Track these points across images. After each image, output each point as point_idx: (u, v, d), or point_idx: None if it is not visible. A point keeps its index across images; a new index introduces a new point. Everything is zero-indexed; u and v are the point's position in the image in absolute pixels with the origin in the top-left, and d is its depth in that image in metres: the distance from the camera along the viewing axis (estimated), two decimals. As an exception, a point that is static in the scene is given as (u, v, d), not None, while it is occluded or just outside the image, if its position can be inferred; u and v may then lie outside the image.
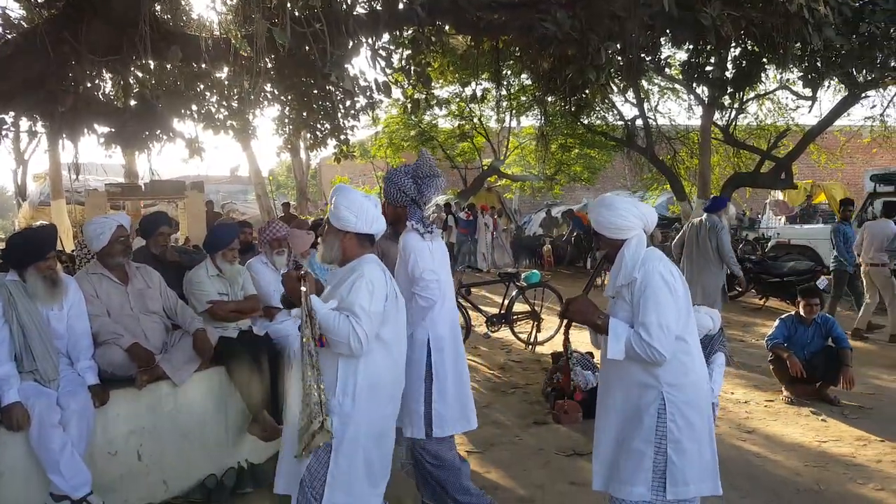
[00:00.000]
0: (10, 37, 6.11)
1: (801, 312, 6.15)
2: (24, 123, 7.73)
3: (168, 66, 7.74)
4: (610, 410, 2.83)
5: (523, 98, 18.00)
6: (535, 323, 8.40)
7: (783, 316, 6.38)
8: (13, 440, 3.41)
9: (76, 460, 3.45)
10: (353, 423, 2.65)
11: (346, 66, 5.82)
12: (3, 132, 6.42)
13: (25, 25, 6.70)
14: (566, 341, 3.14)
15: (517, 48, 8.84)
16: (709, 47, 9.77)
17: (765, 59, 10.49)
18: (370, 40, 6.40)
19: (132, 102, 7.73)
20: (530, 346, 8.23)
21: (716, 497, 2.83)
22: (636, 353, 2.58)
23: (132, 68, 7.29)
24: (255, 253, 5.49)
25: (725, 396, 6.08)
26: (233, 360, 4.19)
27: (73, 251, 10.93)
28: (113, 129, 7.83)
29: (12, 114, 7.14)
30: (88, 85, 7.40)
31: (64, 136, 7.53)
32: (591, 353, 6.32)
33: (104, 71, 7.44)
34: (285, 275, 2.83)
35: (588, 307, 2.77)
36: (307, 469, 2.71)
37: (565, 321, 3.01)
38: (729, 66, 11.55)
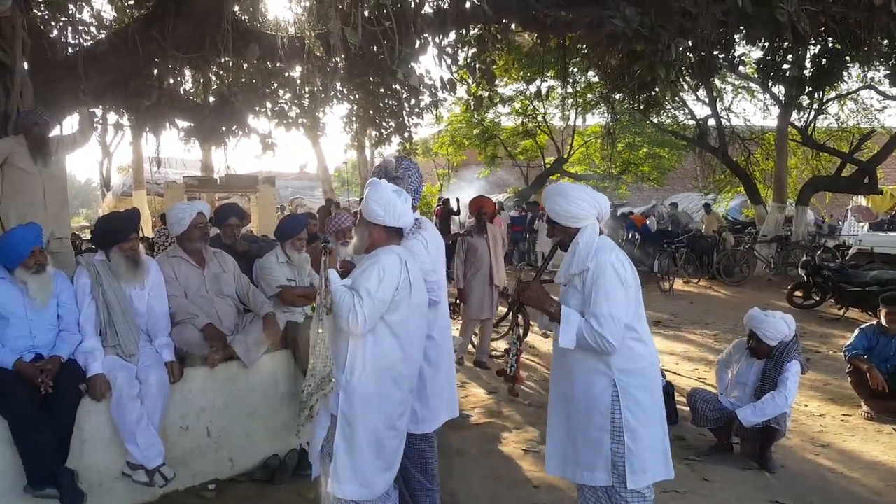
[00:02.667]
0: (104, 35, 6.47)
1: (884, 322, 5.80)
2: (112, 118, 8.19)
3: (245, 65, 8.06)
4: (562, 397, 2.89)
5: (589, 96, 17.80)
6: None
7: (863, 326, 6.04)
8: (96, 409, 3.64)
9: (151, 432, 3.67)
10: (357, 401, 2.71)
11: (413, 63, 5.93)
12: (95, 125, 6.80)
13: (115, 25, 7.10)
14: (515, 325, 3.17)
15: (584, 45, 8.77)
16: (786, 44, 9.45)
17: (847, 57, 10.08)
18: (437, 39, 6.50)
19: (211, 99, 8.07)
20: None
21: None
22: (587, 342, 2.65)
23: (212, 65, 7.61)
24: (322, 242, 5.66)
25: (799, 408, 5.82)
26: (299, 343, 4.36)
27: (151, 238, 11.49)
28: (192, 124, 8.22)
29: (101, 108, 7.57)
30: (171, 81, 7.78)
31: (148, 129, 7.95)
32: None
33: (186, 68, 7.80)
34: (311, 246, 2.95)
35: (541, 293, 2.82)
36: (325, 438, 2.84)
37: (516, 305, 3.08)
38: (807, 64, 11.13)
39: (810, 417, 5.72)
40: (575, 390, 2.81)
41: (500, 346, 7.84)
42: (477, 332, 7.47)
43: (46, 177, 4.98)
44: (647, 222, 17.54)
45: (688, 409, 5.14)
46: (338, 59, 6.12)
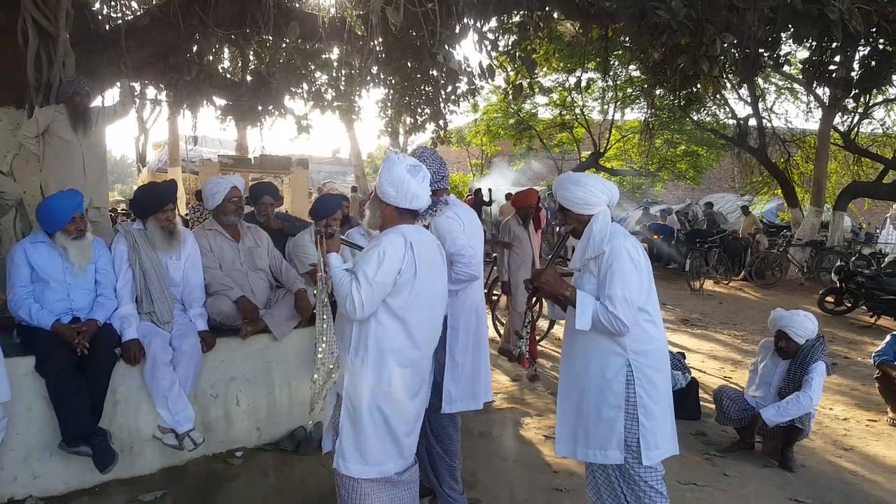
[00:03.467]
0: (146, 9, 6.56)
1: (917, 330, 5.75)
2: (150, 93, 8.31)
3: (283, 45, 8.11)
4: (575, 379, 2.92)
5: (630, 90, 17.59)
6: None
7: (895, 332, 5.99)
8: (130, 373, 3.73)
9: (182, 398, 3.74)
10: (361, 382, 2.69)
11: (452, 47, 5.93)
12: (134, 98, 6.91)
13: (154, 2, 7.18)
14: (529, 310, 3.15)
15: (627, 37, 8.67)
16: (834, 44, 9.24)
17: (897, 60, 9.81)
18: (478, 23, 6.47)
19: (248, 78, 8.13)
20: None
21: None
22: (602, 323, 2.70)
23: (252, 43, 7.68)
24: (352, 225, 5.71)
25: (823, 411, 5.79)
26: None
27: (185, 214, 11.66)
28: (229, 102, 8.31)
29: (140, 83, 7.68)
30: (210, 58, 7.86)
31: (185, 106, 8.04)
32: (682, 354, 6.19)
33: (225, 45, 7.89)
34: (317, 231, 2.91)
35: (557, 279, 2.86)
36: (332, 415, 2.85)
37: (530, 292, 3.03)
38: (855, 65, 10.89)
39: (834, 421, 5.68)
40: (590, 371, 2.85)
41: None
42: (504, 321, 7.46)
43: (86, 146, 5.08)
44: (667, 221, 17.36)
45: (711, 405, 5.12)
46: (377, 41, 6.13)
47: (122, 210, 14.58)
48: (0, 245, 4.92)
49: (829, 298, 11.06)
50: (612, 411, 2.77)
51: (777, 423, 4.45)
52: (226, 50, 8.42)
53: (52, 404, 3.44)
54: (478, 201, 16.46)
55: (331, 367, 2.67)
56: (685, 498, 3.96)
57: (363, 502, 2.74)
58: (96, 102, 5.51)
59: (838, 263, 11.81)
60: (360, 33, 5.77)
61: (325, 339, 2.67)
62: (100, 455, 3.45)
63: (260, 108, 8.37)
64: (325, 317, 2.70)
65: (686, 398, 5.44)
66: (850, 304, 10.76)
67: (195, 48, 7.14)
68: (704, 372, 6.93)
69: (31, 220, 5.04)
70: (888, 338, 5.88)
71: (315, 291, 2.87)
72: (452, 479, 3.49)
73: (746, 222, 16.97)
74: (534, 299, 3.11)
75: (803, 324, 4.57)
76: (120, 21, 6.35)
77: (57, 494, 3.56)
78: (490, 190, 17.26)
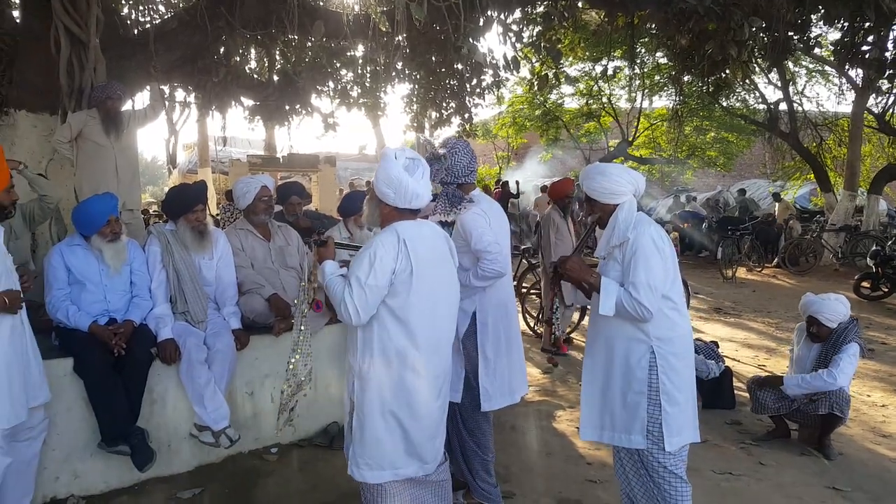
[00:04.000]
0: (173, 13, 6.64)
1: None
2: (179, 95, 8.42)
3: (309, 44, 8.16)
4: (600, 365, 2.95)
5: (657, 77, 17.35)
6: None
7: (935, 316, 5.85)
8: (166, 372, 3.80)
9: (218, 396, 3.80)
10: (369, 387, 2.64)
11: (477, 41, 5.90)
12: (164, 101, 7.01)
13: (183, 4, 7.27)
14: (553, 297, 3.12)
15: (653, 24, 8.56)
16: (867, 24, 9.00)
17: (935, 38, 9.53)
18: (502, 15, 6.44)
19: (275, 78, 8.19)
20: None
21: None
22: (625, 309, 2.73)
23: (278, 43, 7.73)
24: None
25: (861, 398, 5.68)
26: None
27: (216, 214, 11.81)
28: (257, 103, 8.39)
29: (169, 86, 7.79)
30: (237, 59, 7.94)
31: (214, 107, 8.13)
32: (716, 343, 6.11)
33: (251, 46, 7.96)
34: (312, 240, 2.85)
35: (582, 266, 2.92)
36: (348, 422, 2.80)
37: (555, 279, 3.07)
38: (889, 45, 10.60)
39: (872, 408, 5.57)
40: (614, 357, 2.88)
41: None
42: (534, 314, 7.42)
43: (118, 149, 5.18)
44: (692, 208, 17.11)
45: (745, 394, 5.04)
46: (401, 36, 6.13)
47: (154, 212, 14.82)
48: (36, 249, 5.03)
49: (865, 284, 10.81)
50: (636, 397, 2.81)
51: (796, 395, 4.45)
52: (252, 51, 8.49)
53: (91, 405, 3.52)
54: (505, 194, 16.40)
55: (302, 378, 2.64)
56: (721, 488, 3.92)
57: (387, 503, 2.71)
58: (127, 106, 5.60)
59: (874, 248, 11.54)
60: (384, 29, 5.77)
61: (300, 350, 2.64)
62: (138, 454, 3.53)
63: (287, 107, 8.44)
64: (302, 328, 2.66)
65: (720, 387, 5.38)
66: (886, 289, 10.53)
67: (222, 50, 7.21)
68: (738, 361, 6.84)
69: (66, 224, 5.15)
70: (928, 323, 5.75)
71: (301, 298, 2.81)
72: (486, 472, 3.49)
73: (780, 208, 16.69)
74: (557, 287, 3.14)
75: (834, 308, 4.49)
76: (148, 25, 6.43)
77: (97, 493, 3.65)
78: (518, 182, 17.18)
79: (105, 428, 3.52)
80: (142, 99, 6.77)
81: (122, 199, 5.01)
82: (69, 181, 5.36)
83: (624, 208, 2.87)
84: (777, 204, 17.30)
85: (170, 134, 9.32)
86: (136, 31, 6.54)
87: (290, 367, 2.65)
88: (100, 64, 5.33)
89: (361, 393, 2.67)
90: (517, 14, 7.10)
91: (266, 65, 8.50)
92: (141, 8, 7.18)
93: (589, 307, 3.27)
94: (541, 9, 7.09)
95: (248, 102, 8.44)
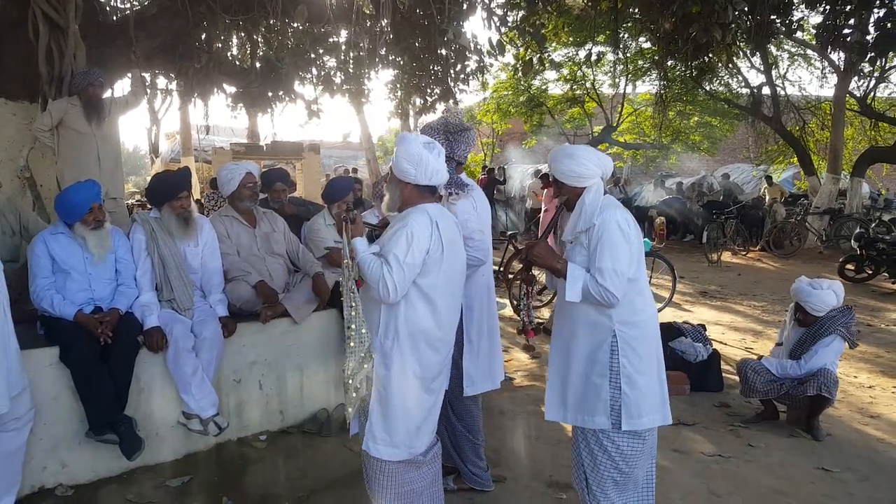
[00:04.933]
0: (153, -2, 6.53)
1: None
2: (160, 83, 8.30)
3: (291, 29, 8.06)
4: (565, 348, 2.96)
5: (640, 62, 17.37)
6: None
7: (919, 297, 5.92)
8: (153, 361, 3.77)
9: (206, 384, 3.78)
10: (392, 364, 2.69)
11: (461, 24, 5.87)
12: (145, 88, 6.91)
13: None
14: (523, 282, 3.14)
15: (636, 8, 8.54)
16: (848, 7, 9.05)
17: (915, 21, 9.61)
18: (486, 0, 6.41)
19: (257, 64, 8.10)
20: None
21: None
22: (592, 295, 2.73)
23: (260, 28, 7.64)
24: (367, 207, 5.71)
25: (848, 379, 5.74)
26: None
27: (201, 201, 11.71)
28: (239, 90, 8.29)
29: (150, 73, 7.67)
30: (219, 45, 7.84)
31: (195, 94, 8.03)
32: (703, 326, 6.16)
33: (233, 32, 7.85)
34: (337, 215, 2.85)
35: (549, 252, 2.89)
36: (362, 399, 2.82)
37: (523, 264, 3.07)
38: (870, 28, 10.68)
39: (860, 388, 5.64)
40: (577, 340, 2.89)
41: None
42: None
43: (100, 137, 5.10)
44: (667, 192, 17.26)
45: (733, 377, 5.09)
46: (385, 21, 6.08)
47: (137, 201, 14.66)
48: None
49: (850, 266, 10.94)
50: (598, 379, 2.82)
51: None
52: (234, 37, 8.39)
53: (78, 394, 3.49)
54: (491, 180, 16.38)
55: (362, 355, 2.65)
56: (711, 469, 3.96)
57: (390, 482, 2.76)
58: (108, 93, 5.52)
59: (858, 230, 11.67)
60: (368, 13, 5.72)
61: (353, 326, 2.64)
62: (126, 442, 3.51)
63: (270, 94, 8.34)
64: (353, 304, 2.65)
65: (708, 370, 5.43)
66: (870, 272, 10.65)
67: (203, 36, 7.11)
68: (725, 344, 6.90)
69: (49, 213, 5.08)
70: (912, 303, 5.82)
71: (339, 276, 2.82)
72: (476, 456, 3.50)
73: (772, 191, 16.87)
74: (526, 272, 3.13)
75: (822, 299, 4.52)
76: (128, 11, 6.32)
77: (86, 482, 3.62)
78: (504, 169, 17.14)
79: (92, 417, 3.49)
80: (122, 86, 6.66)
81: (105, 187, 4.92)
82: (51, 170, 5.28)
83: (591, 192, 2.84)
84: (767, 187, 17.46)
85: (152, 122, 9.19)
86: (115, 17, 6.43)
87: (351, 344, 2.64)
88: (80, 50, 5.24)
89: (385, 371, 2.71)
90: (501, -1, 7.07)
91: (248, 51, 8.40)
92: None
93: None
94: (525, -7, 7.06)
95: (231, 89, 8.34)
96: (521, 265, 3.06)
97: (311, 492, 3.60)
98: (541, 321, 7.19)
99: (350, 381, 2.65)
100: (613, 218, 2.76)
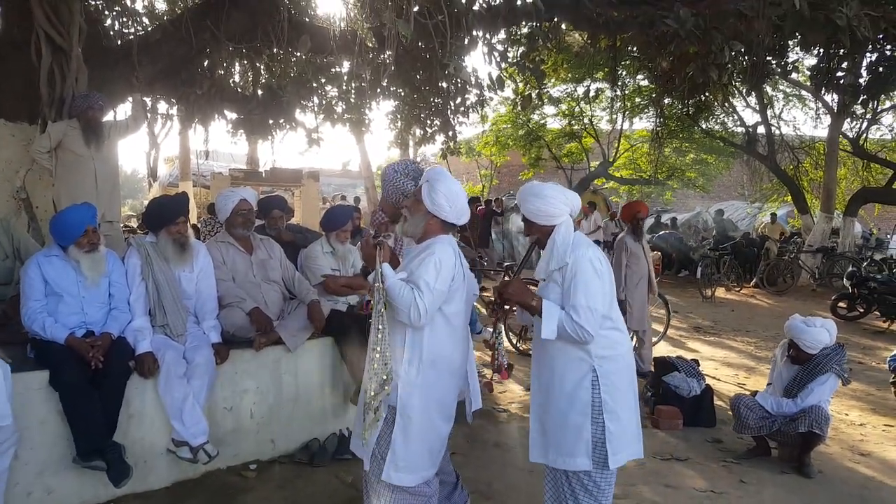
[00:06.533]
0: (157, 24, 6.61)
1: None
2: (161, 107, 8.35)
3: (294, 58, 8.15)
4: (543, 386, 2.97)
5: (638, 99, 17.60)
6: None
7: (911, 336, 5.95)
8: (143, 386, 3.72)
9: (196, 411, 3.73)
10: (417, 393, 2.74)
11: (462, 58, 5.94)
12: (146, 113, 6.95)
13: (167, 16, 7.24)
14: (497, 322, 3.14)
15: (635, 47, 8.69)
16: (842, 51, 9.21)
17: (906, 66, 9.80)
18: (487, 35, 6.49)
19: (259, 92, 8.17)
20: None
21: None
22: (567, 332, 2.75)
23: (263, 57, 7.72)
24: (364, 236, 5.72)
25: (839, 417, 5.74)
26: (342, 332, 4.40)
27: (198, 226, 11.71)
28: (240, 116, 8.35)
29: (151, 98, 7.73)
30: (221, 72, 7.91)
31: (196, 120, 8.08)
32: (696, 361, 6.14)
33: (236, 60, 7.93)
34: (363, 241, 2.90)
35: (523, 289, 2.91)
36: (382, 430, 2.82)
37: (499, 302, 3.07)
38: (863, 72, 10.88)
39: (851, 426, 5.64)
40: (555, 378, 2.90)
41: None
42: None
43: (98, 160, 5.12)
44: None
45: (726, 412, 5.06)
46: (388, 53, 6.15)
47: (132, 226, 14.64)
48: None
49: (842, 304, 11.02)
50: (578, 418, 2.82)
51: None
52: (237, 64, 8.47)
53: (67, 418, 3.43)
54: (489, 212, 16.36)
55: (384, 377, 2.65)
56: (703, 507, 3.93)
57: None
58: (108, 117, 5.55)
59: (850, 269, 11.76)
60: (370, 45, 5.79)
61: (379, 349, 2.66)
62: (114, 469, 3.43)
63: (271, 121, 8.40)
64: (380, 327, 2.68)
65: (701, 405, 5.41)
66: (862, 310, 10.74)
67: (206, 62, 7.18)
68: (718, 379, 6.88)
69: (44, 235, 5.07)
70: (905, 342, 5.84)
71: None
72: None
73: (772, 228, 17.06)
74: (499, 310, 3.11)
75: (816, 337, 4.54)
76: (132, 36, 6.39)
77: (71, 509, 3.55)
78: (501, 200, 17.20)
79: (80, 442, 3.42)
80: (123, 110, 6.70)
81: (102, 210, 4.94)
82: (48, 192, 5.28)
83: (560, 231, 2.89)
84: (770, 224, 17.70)
85: (151, 146, 9.23)
86: (119, 42, 6.49)
87: (374, 367, 2.66)
88: (81, 73, 5.28)
89: (407, 398, 2.76)
90: (502, 35, 7.16)
91: (251, 78, 8.47)
92: (125, 18, 7.14)
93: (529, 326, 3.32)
94: (525, 30, 7.15)
95: (232, 116, 8.40)
96: (495, 302, 3.06)
97: (300, 523, 3.55)
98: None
99: (371, 402, 2.66)
100: (586, 256, 2.81)
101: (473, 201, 16.48)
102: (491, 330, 3.19)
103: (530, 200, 2.94)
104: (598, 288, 2.79)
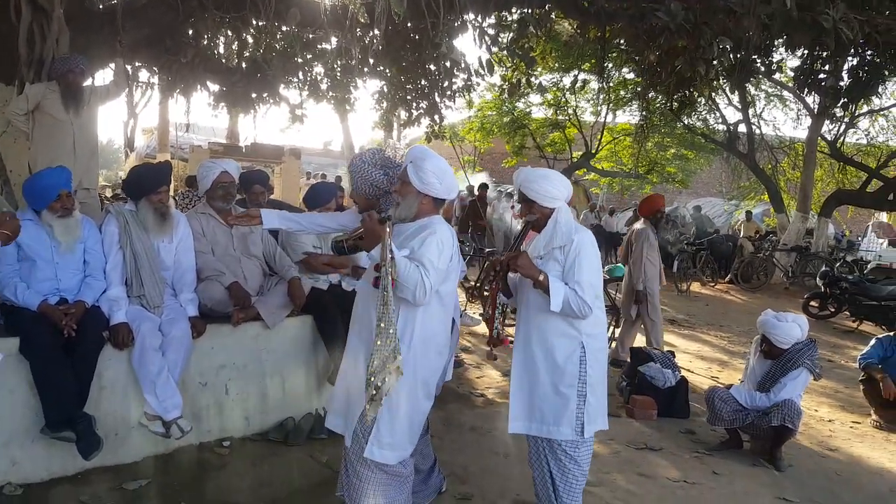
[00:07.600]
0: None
1: (904, 334, 5.81)
2: (143, 76, 8.18)
3: (280, 32, 8.01)
4: (530, 359, 3.10)
5: (623, 92, 17.64)
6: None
7: (881, 336, 6.05)
8: (117, 357, 3.64)
9: (171, 385, 3.66)
10: (407, 371, 2.73)
11: (453, 40, 5.88)
12: (129, 79, 6.78)
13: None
14: (495, 291, 3.26)
15: (623, 39, 8.66)
16: (825, 53, 9.28)
17: (885, 71, 9.93)
18: (479, 18, 6.43)
19: (243, 64, 8.02)
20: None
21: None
22: (570, 307, 2.89)
23: (249, 28, 7.57)
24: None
25: (809, 413, 5.83)
26: (321, 310, 4.35)
27: (175, 198, 11.54)
28: (223, 88, 8.19)
29: (132, 66, 7.54)
30: (206, 42, 7.74)
31: (178, 90, 7.92)
32: (672, 352, 6.20)
33: (222, 30, 7.77)
34: (368, 215, 2.81)
35: (531, 264, 3.00)
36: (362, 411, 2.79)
37: (501, 274, 3.16)
38: (845, 75, 10.99)
39: (820, 422, 5.75)
40: (546, 352, 3.04)
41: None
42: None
43: (77, 126, 4.99)
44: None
45: (699, 404, 5.12)
46: (377, 31, 6.06)
47: (108, 197, 14.38)
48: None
49: (814, 303, 11.26)
50: (567, 390, 2.99)
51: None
52: (222, 34, 8.30)
53: (36, 387, 3.35)
54: (483, 197, 16.14)
55: (387, 353, 2.62)
56: (676, 495, 3.97)
57: (377, 491, 2.81)
58: (89, 81, 5.40)
59: (823, 269, 11.98)
60: (362, 21, 5.69)
61: (383, 325, 2.63)
62: (84, 441, 3.35)
63: (254, 94, 8.26)
64: (386, 302, 2.63)
65: (676, 396, 5.46)
66: (833, 309, 10.96)
67: (191, 31, 7.02)
68: (692, 371, 6.95)
69: (17, 199, 4.94)
70: (873, 341, 5.97)
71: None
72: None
73: (748, 226, 17.29)
74: (499, 281, 3.23)
75: (787, 332, 4.63)
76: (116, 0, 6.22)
77: (38, 482, 3.45)
78: (486, 186, 17.15)
79: (50, 412, 3.34)
80: (104, 75, 6.54)
81: (79, 177, 4.82)
82: (23, 155, 5.14)
83: (562, 212, 3.05)
84: (746, 222, 18.01)
85: (129, 116, 9.10)
86: (102, 5, 6.32)
87: (378, 343, 2.62)
88: (63, 35, 5.12)
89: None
90: (492, 19, 7.10)
91: (235, 50, 8.31)
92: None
93: (508, 305, 3.39)
94: (516, 15, 7.10)
95: (214, 87, 8.25)
96: (499, 274, 3.13)
97: (273, 501, 3.50)
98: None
99: (373, 379, 2.63)
100: (588, 238, 3.01)
101: (484, 188, 16.42)
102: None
103: (537, 181, 3.06)
104: (598, 269, 2.98)
